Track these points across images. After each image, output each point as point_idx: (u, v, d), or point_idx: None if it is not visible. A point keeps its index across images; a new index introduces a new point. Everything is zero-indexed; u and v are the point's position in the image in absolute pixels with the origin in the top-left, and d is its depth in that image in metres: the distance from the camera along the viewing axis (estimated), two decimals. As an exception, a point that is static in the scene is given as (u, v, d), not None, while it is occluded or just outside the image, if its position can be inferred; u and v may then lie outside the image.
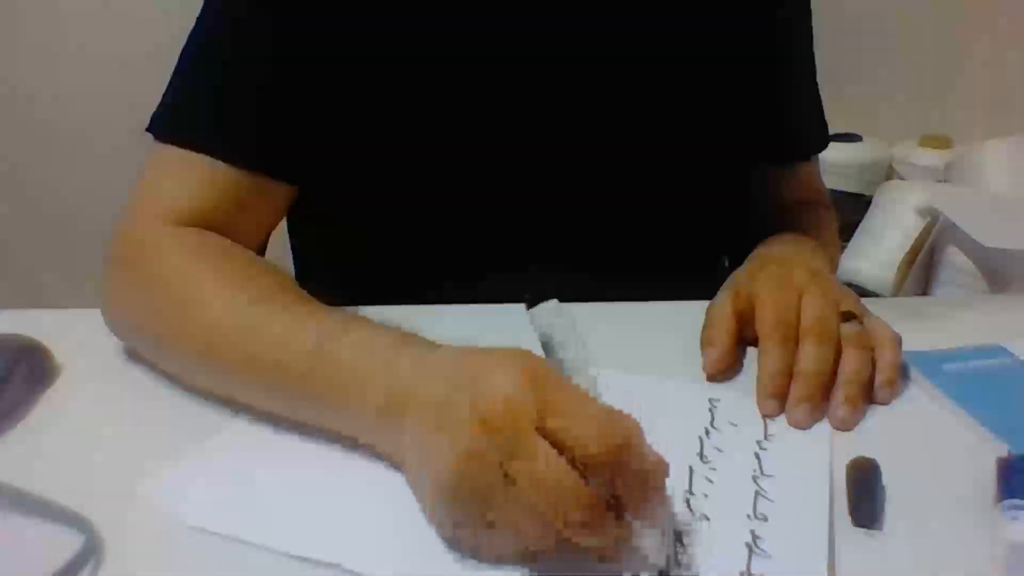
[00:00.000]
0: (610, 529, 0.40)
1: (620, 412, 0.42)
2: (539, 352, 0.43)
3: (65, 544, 0.43)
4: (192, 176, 0.62)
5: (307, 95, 0.64)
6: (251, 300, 0.55)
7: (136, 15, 1.69)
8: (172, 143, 0.63)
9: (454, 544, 0.43)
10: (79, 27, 1.73)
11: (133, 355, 0.61)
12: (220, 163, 0.62)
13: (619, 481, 0.40)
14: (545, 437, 0.40)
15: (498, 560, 0.42)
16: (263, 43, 0.63)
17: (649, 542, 0.41)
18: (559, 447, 0.39)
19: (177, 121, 0.64)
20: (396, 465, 0.48)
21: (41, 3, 1.71)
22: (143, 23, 1.64)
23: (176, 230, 0.60)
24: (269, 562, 0.43)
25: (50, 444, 0.53)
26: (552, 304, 0.44)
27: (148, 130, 0.64)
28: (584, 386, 0.43)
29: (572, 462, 0.39)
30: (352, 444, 0.50)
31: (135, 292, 0.60)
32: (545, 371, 0.42)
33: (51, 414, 0.56)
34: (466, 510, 0.41)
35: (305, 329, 0.52)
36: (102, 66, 1.69)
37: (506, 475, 0.39)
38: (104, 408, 0.57)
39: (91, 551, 0.43)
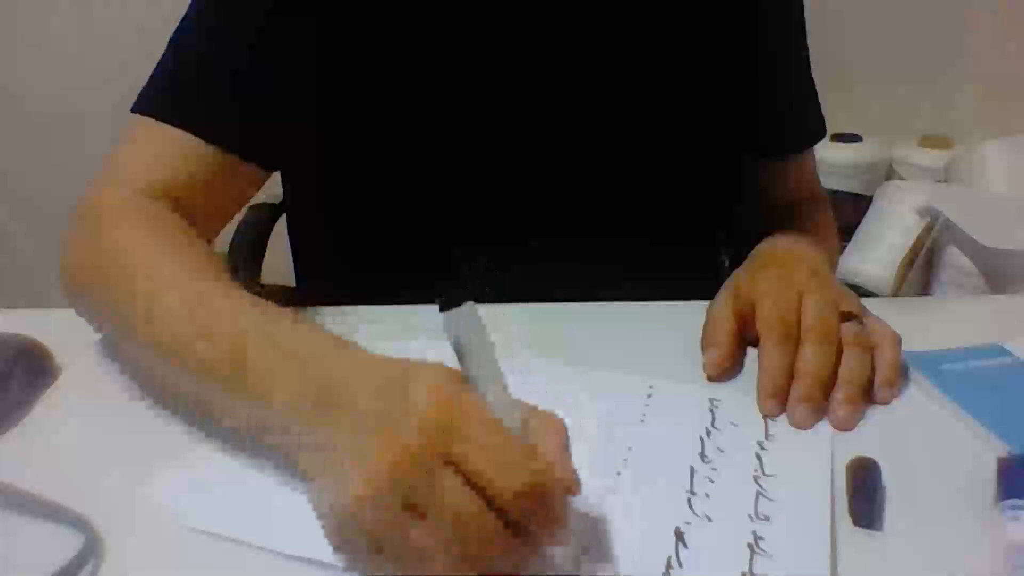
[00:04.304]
0: (516, 554, 0.39)
1: (547, 417, 0.42)
2: (455, 359, 0.41)
3: (65, 544, 0.43)
4: (166, 149, 0.63)
5: (292, 85, 0.65)
6: (195, 279, 0.55)
7: (137, 16, 1.69)
8: (150, 116, 0.63)
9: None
10: (80, 27, 1.73)
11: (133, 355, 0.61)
12: (193, 138, 0.62)
13: (527, 508, 0.38)
14: (453, 465, 0.38)
15: None
16: (252, 29, 0.64)
17: (558, 557, 0.40)
18: (466, 477, 0.38)
19: (157, 96, 0.65)
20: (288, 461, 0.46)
21: (42, 4, 1.71)
22: (144, 23, 1.64)
23: (141, 202, 0.61)
24: (268, 562, 0.43)
25: (50, 444, 0.53)
26: (467, 307, 0.40)
27: (132, 109, 0.64)
28: (498, 398, 0.41)
29: (478, 490, 0.38)
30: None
31: (91, 255, 0.60)
32: (457, 398, 0.40)
33: (51, 414, 0.56)
34: (357, 548, 0.40)
35: (242, 312, 0.51)
36: (103, 67, 1.69)
37: (414, 509, 0.38)
38: (104, 408, 0.57)
39: (91, 551, 0.43)
